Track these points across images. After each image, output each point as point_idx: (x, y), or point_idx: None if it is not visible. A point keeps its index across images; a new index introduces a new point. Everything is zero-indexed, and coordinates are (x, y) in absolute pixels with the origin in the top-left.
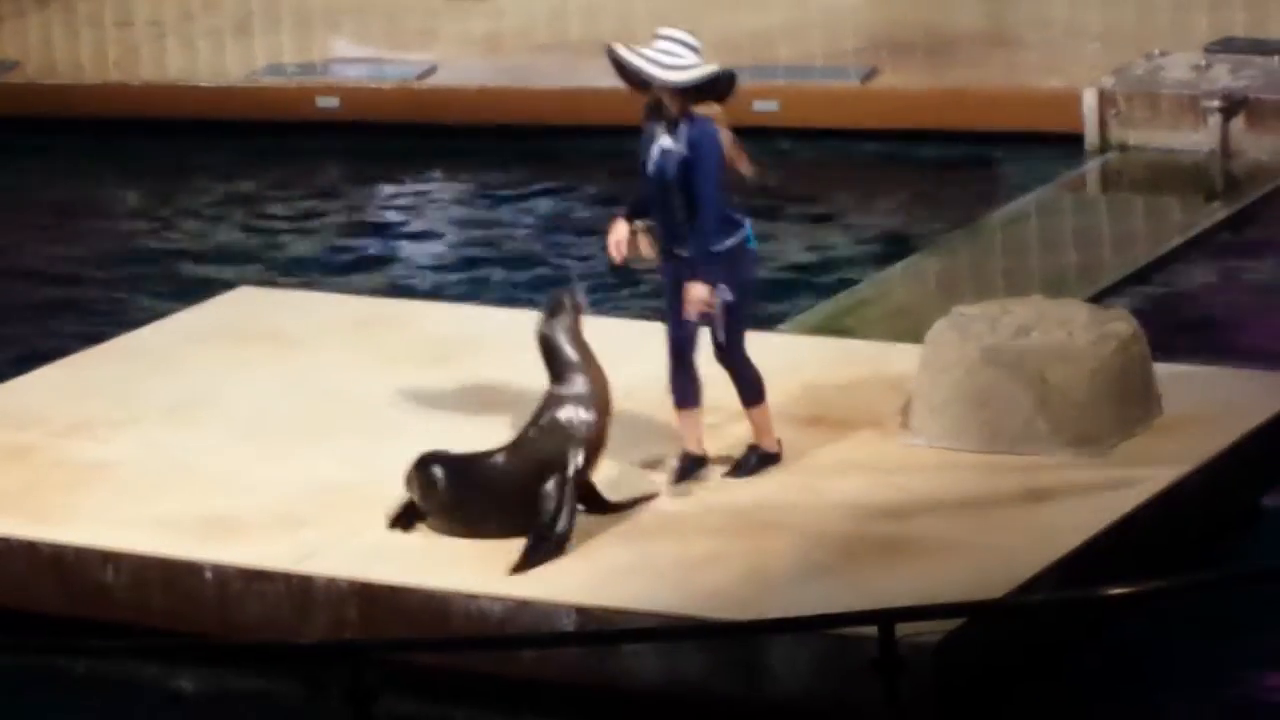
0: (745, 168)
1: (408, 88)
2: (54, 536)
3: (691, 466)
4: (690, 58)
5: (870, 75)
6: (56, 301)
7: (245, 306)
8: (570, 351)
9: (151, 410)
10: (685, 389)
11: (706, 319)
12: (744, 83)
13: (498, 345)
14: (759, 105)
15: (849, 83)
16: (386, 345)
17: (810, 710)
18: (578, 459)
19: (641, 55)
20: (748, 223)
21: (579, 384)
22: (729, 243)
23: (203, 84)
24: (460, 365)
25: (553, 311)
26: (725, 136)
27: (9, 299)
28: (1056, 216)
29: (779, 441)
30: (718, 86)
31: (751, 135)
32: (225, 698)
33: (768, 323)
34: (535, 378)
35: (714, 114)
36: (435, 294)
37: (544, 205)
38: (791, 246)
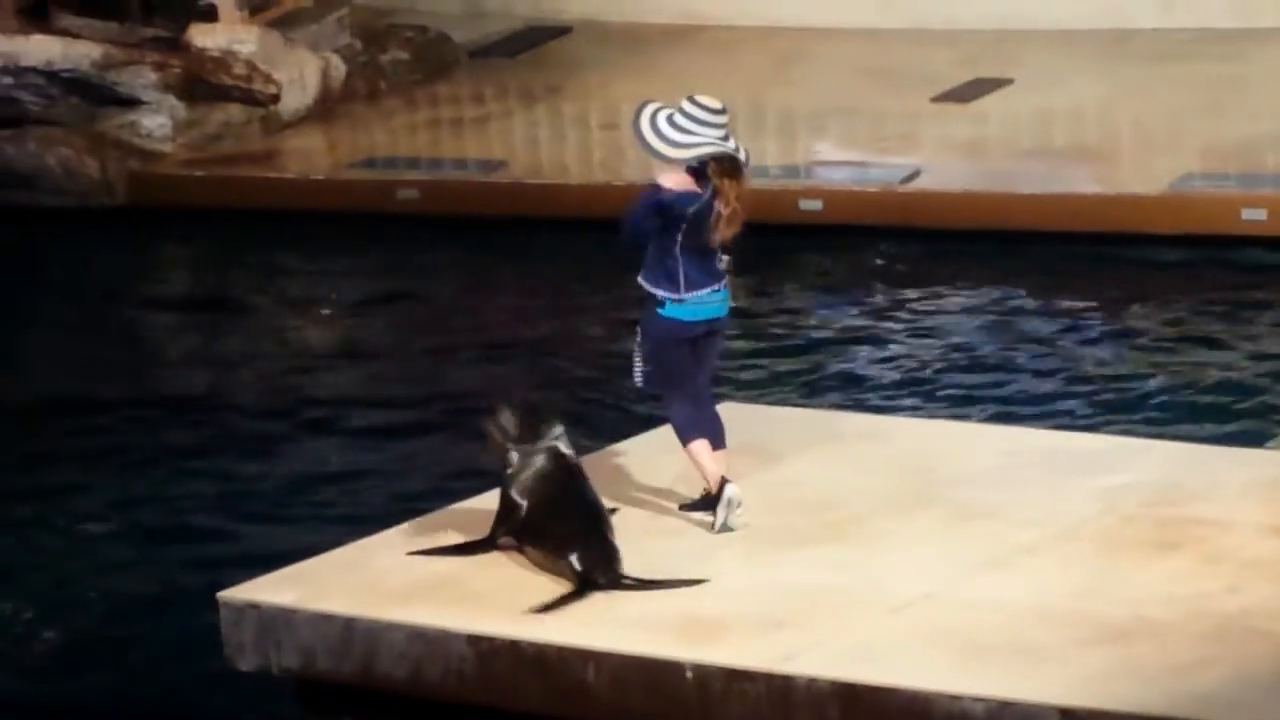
0: (720, 234)
1: (892, 191)
2: (537, 636)
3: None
4: (699, 133)
5: None
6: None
7: (730, 421)
8: None
9: None
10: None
11: None
12: (1231, 191)
13: (978, 461)
14: (1247, 214)
15: None
16: (866, 458)
17: None
18: None
19: (657, 128)
20: (688, 295)
21: None
22: (648, 290)
23: None
24: (938, 479)
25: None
26: (724, 203)
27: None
28: None
29: (721, 480)
30: (716, 166)
31: (1237, 244)
32: None
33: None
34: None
35: (725, 186)
36: (911, 408)
37: (1022, 314)
38: None
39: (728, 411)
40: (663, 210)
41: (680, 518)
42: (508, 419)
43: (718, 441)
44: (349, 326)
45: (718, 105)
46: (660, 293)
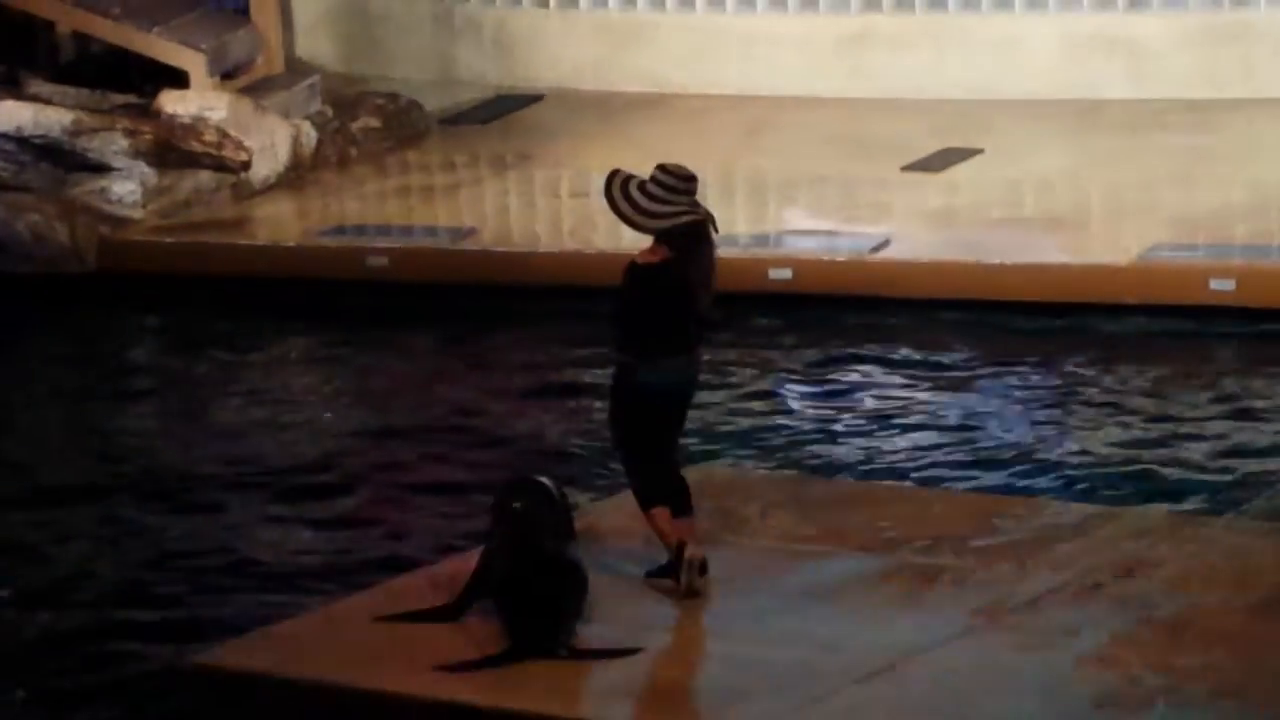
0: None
1: (861, 260)
2: (505, 702)
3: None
4: (672, 200)
5: None
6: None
7: (697, 485)
8: None
9: None
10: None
11: None
12: (1199, 260)
13: (945, 528)
14: (1215, 284)
15: None
16: (833, 524)
17: None
18: None
19: (629, 197)
20: (660, 360)
21: None
22: (620, 354)
23: None
24: (904, 546)
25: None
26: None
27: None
28: None
29: (679, 543)
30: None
31: (1206, 314)
32: None
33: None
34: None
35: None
36: (879, 474)
37: (990, 383)
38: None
39: (695, 475)
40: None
41: (647, 583)
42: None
43: (682, 507)
44: (317, 395)
45: (687, 173)
46: (631, 358)
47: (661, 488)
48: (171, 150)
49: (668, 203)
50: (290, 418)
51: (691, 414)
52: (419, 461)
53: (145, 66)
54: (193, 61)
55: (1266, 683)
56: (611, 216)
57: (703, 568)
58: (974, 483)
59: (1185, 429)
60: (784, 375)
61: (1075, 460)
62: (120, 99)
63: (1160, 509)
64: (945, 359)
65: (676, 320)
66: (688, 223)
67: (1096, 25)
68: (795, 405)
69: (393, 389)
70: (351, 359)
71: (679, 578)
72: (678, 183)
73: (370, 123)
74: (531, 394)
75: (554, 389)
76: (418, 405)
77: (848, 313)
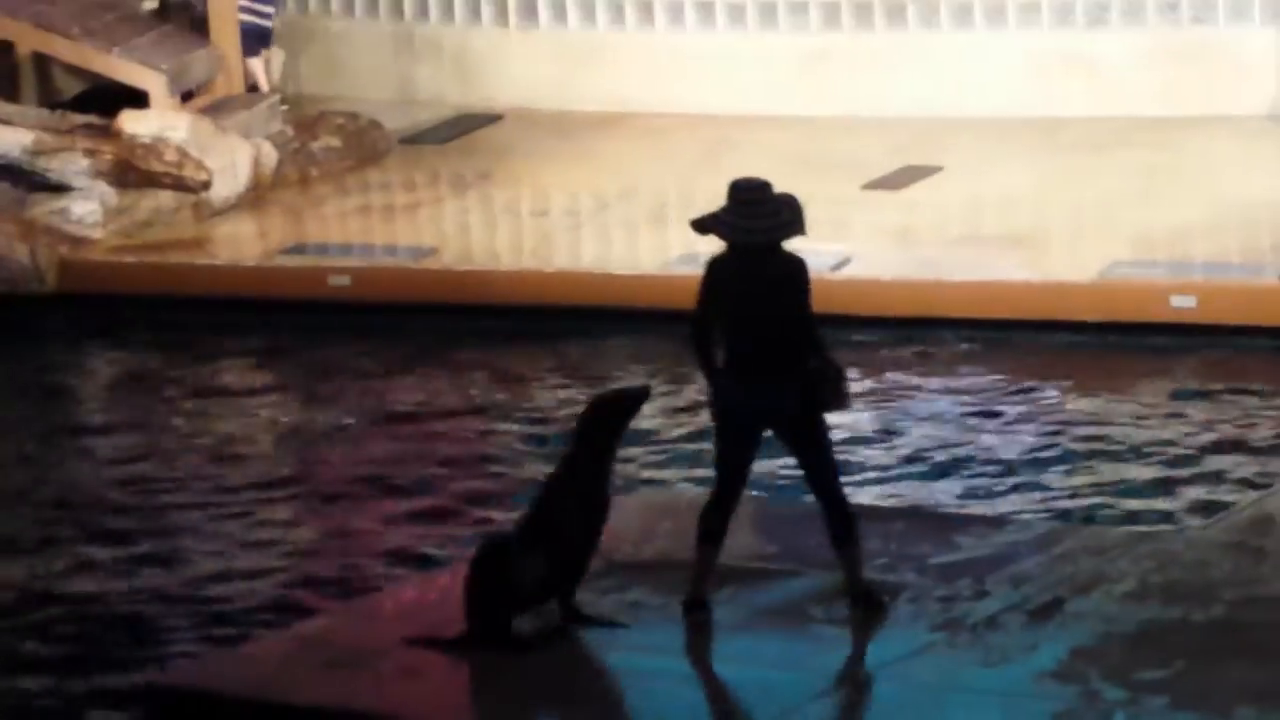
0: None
1: (822, 278)
2: None
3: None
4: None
5: None
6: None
7: (656, 506)
8: None
9: None
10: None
11: None
12: (1160, 277)
13: (902, 547)
14: (1176, 301)
15: (1267, 280)
16: (795, 542)
17: None
18: None
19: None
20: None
21: None
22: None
23: (617, 272)
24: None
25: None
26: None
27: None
28: None
29: (688, 600)
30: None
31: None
32: None
33: None
34: None
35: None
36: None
37: (951, 399)
38: None
39: (658, 497)
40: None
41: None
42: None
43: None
44: (279, 411)
45: (745, 185)
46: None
47: (710, 521)
48: (132, 170)
49: (741, 215)
50: (249, 438)
51: (663, 434)
52: (374, 481)
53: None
54: (153, 81)
55: (1225, 696)
56: (571, 235)
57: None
58: (932, 499)
59: (1143, 445)
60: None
61: (1035, 476)
62: (81, 119)
63: (1119, 527)
64: (906, 377)
65: (736, 334)
66: (727, 236)
67: (1057, 42)
68: None
69: (351, 409)
70: (311, 378)
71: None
72: (739, 196)
73: (330, 142)
74: (490, 410)
75: (512, 405)
76: (375, 425)
77: None
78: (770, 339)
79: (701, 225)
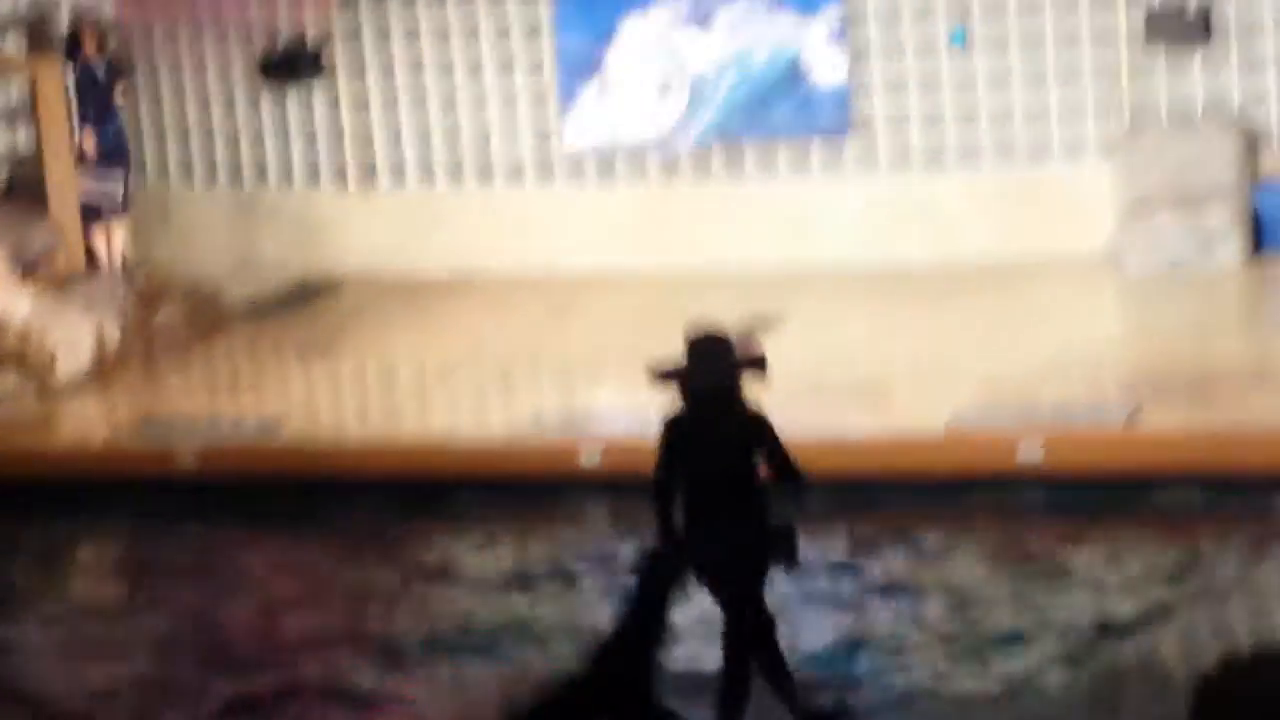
0: None
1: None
2: None
3: None
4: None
5: (1134, 414)
6: None
7: None
8: None
9: None
10: None
11: None
12: (1006, 427)
13: None
14: (1024, 452)
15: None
16: None
17: None
18: None
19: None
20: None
21: None
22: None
23: (467, 440)
24: None
25: None
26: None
27: None
28: None
29: None
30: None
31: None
32: None
33: None
34: None
35: None
36: None
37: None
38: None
39: None
40: None
41: None
42: None
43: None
44: (130, 599)
45: (692, 338)
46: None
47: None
48: None
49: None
50: (98, 627)
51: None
52: (237, 658)
53: None
54: None
55: None
56: (419, 402)
57: None
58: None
59: (992, 604)
60: (596, 563)
61: (878, 639)
62: None
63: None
64: None
65: (691, 490)
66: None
67: (895, 189)
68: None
69: (208, 587)
70: (160, 562)
71: None
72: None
73: (173, 315)
74: (342, 584)
75: (367, 579)
76: (231, 603)
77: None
78: (724, 495)
79: (663, 376)
